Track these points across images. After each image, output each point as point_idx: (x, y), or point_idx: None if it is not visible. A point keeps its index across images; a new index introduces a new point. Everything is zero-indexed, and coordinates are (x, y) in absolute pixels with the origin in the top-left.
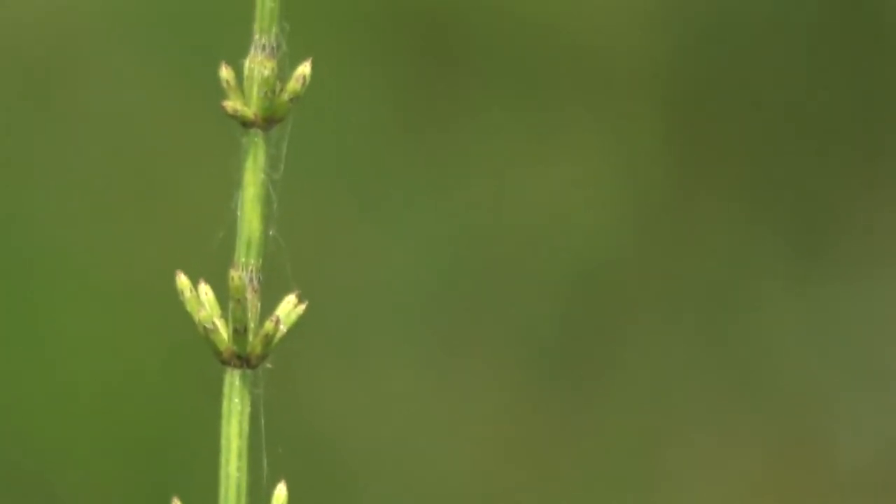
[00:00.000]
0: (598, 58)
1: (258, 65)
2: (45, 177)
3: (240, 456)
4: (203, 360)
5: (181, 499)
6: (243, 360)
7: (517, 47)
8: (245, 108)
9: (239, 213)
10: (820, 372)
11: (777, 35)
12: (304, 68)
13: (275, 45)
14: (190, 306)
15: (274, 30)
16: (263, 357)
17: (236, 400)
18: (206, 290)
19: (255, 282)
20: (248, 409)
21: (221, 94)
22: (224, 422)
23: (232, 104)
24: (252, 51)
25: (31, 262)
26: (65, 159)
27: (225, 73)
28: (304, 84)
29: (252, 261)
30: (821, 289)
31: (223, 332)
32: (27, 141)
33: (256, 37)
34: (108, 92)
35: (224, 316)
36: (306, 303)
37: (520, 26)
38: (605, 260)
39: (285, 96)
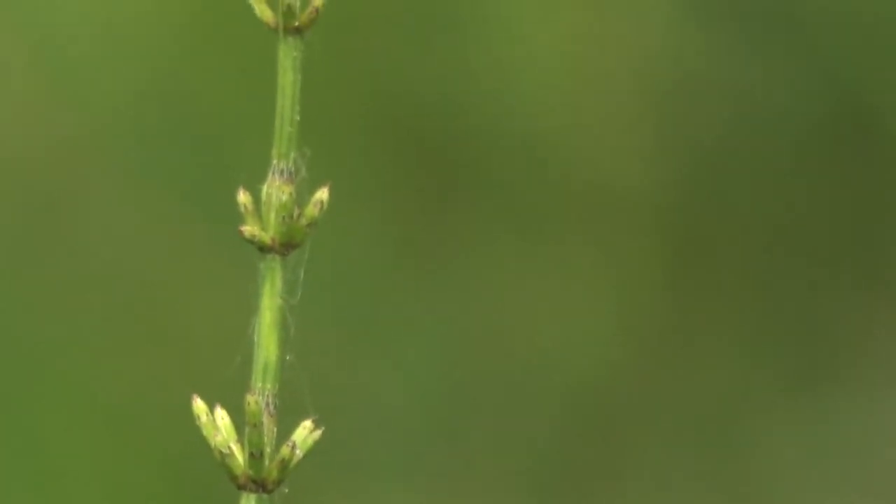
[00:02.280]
0: (598, 187)
1: (276, 189)
2: (57, 301)
3: None
4: (217, 486)
5: None
6: (259, 485)
7: (517, 177)
8: (262, 233)
9: (256, 338)
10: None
11: (774, 160)
12: (322, 193)
13: (293, 169)
14: (206, 431)
15: (292, 154)
16: (279, 482)
17: None
18: (222, 415)
19: (272, 407)
20: None
21: (239, 219)
22: None
23: (250, 229)
24: (270, 175)
25: (38, 386)
26: (79, 285)
27: (243, 197)
28: (321, 209)
29: (268, 386)
30: (820, 419)
31: (239, 457)
32: (41, 264)
33: (275, 161)
34: (120, 216)
35: (240, 440)
36: (322, 428)
37: (519, 156)
38: (602, 388)
39: (303, 221)
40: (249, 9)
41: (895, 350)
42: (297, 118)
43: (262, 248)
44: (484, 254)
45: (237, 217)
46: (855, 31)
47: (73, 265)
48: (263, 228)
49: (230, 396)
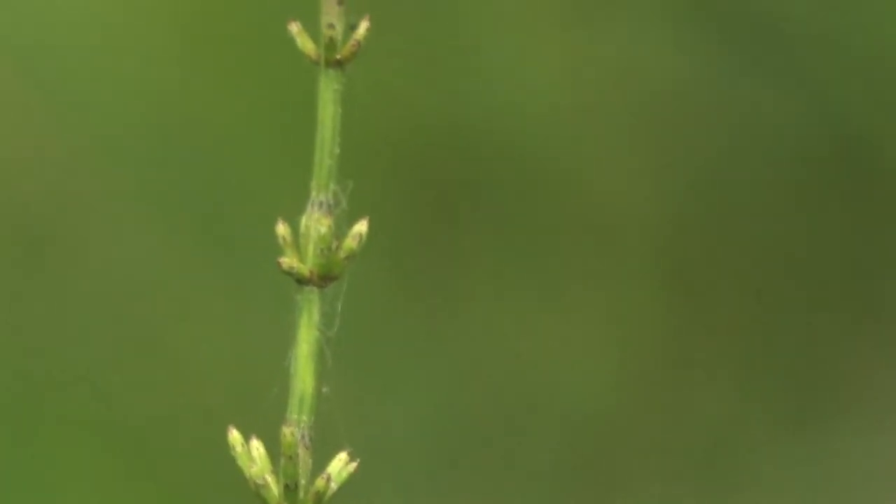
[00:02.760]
0: (600, 214)
1: (315, 222)
2: (72, 328)
3: None
4: None
5: None
6: None
7: (514, 205)
8: (301, 265)
9: (292, 370)
10: None
11: (771, 186)
12: (361, 226)
13: (332, 202)
14: (241, 461)
15: (331, 187)
16: None
17: None
18: (257, 446)
19: (307, 438)
20: None
21: (278, 251)
22: None
23: (288, 261)
24: (309, 207)
25: (50, 421)
26: (93, 324)
27: (281, 229)
28: (360, 242)
29: (304, 417)
30: (818, 457)
31: (274, 489)
32: (49, 286)
33: (314, 193)
34: (141, 250)
35: (275, 471)
36: (358, 461)
37: (520, 182)
38: (600, 423)
39: (341, 254)
40: (284, 39)
41: (894, 387)
42: (337, 151)
43: (300, 281)
44: (485, 286)
45: (257, 248)
46: (849, 54)
47: (86, 291)
48: (301, 260)
49: (262, 427)
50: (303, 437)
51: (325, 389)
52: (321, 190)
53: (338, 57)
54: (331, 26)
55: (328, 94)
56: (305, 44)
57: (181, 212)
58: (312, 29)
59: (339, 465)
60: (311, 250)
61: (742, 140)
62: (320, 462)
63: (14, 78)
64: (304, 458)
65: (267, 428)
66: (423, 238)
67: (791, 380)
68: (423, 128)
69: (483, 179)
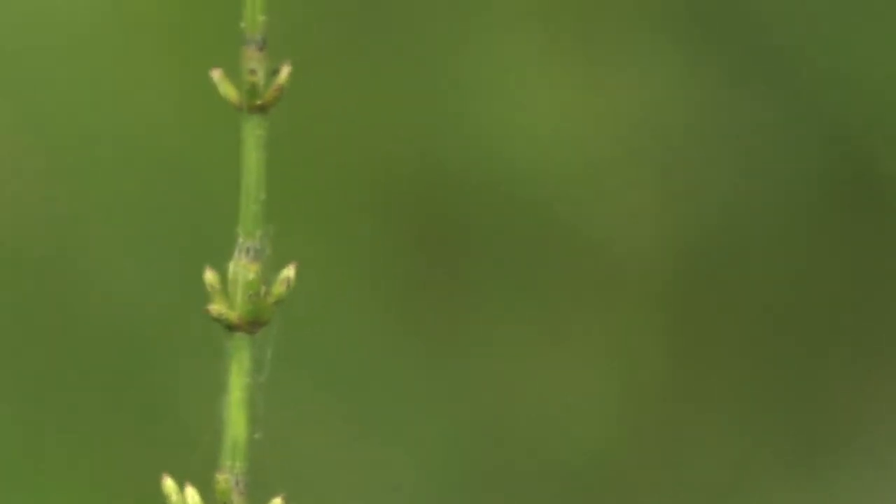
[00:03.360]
0: (601, 250)
1: (242, 268)
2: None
3: None
4: None
5: None
6: None
7: (516, 241)
8: (230, 312)
9: (224, 417)
10: None
11: (778, 225)
12: (289, 271)
13: (259, 248)
14: None
15: (258, 233)
16: None
17: None
18: (192, 494)
19: (241, 485)
20: None
21: (206, 298)
22: None
23: (217, 308)
24: (236, 254)
25: (10, 466)
26: (50, 355)
27: (209, 276)
28: (288, 287)
29: (238, 464)
30: (821, 496)
31: None
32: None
33: (241, 240)
34: (84, 289)
35: None
36: None
37: (520, 220)
38: (605, 462)
39: (270, 300)
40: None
41: None
42: (263, 196)
43: (230, 327)
44: (485, 325)
45: (205, 296)
46: (868, 88)
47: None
48: (230, 307)
49: (196, 475)
50: (237, 483)
51: (257, 435)
52: (248, 236)
53: (259, 103)
54: (252, 72)
55: (251, 140)
56: (228, 90)
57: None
58: (237, 76)
59: None
60: (239, 297)
61: (748, 177)
62: None
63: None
64: None
65: (202, 475)
66: (420, 279)
67: (797, 417)
68: (417, 168)
69: (481, 218)
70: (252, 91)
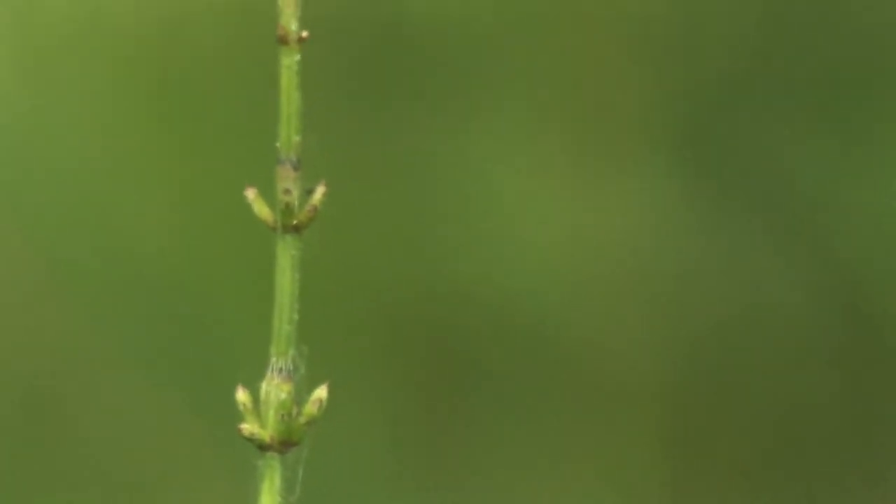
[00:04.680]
0: (600, 375)
1: (275, 388)
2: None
3: None
4: None
5: None
6: None
7: (516, 360)
8: (262, 431)
9: None
10: None
11: (776, 352)
12: (321, 392)
13: (291, 367)
14: None
15: (291, 352)
16: None
17: None
18: None
19: None
20: None
21: (238, 417)
22: None
23: (249, 427)
24: (269, 373)
25: None
26: (70, 483)
27: (242, 396)
28: (320, 408)
29: None
30: None
31: None
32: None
33: (273, 359)
34: (114, 412)
35: None
36: None
37: (520, 338)
38: None
39: (302, 420)
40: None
41: None
42: (296, 317)
43: (261, 447)
44: (486, 446)
45: (234, 412)
46: (857, 215)
47: (62, 461)
48: (262, 427)
49: None
50: None
51: None
52: (280, 356)
53: (294, 223)
54: (287, 192)
55: (285, 261)
56: (262, 210)
57: (160, 370)
58: (270, 194)
59: None
60: (271, 416)
61: (741, 300)
62: None
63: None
64: None
65: None
66: (421, 404)
67: None
68: (427, 288)
69: (479, 343)
70: (287, 211)
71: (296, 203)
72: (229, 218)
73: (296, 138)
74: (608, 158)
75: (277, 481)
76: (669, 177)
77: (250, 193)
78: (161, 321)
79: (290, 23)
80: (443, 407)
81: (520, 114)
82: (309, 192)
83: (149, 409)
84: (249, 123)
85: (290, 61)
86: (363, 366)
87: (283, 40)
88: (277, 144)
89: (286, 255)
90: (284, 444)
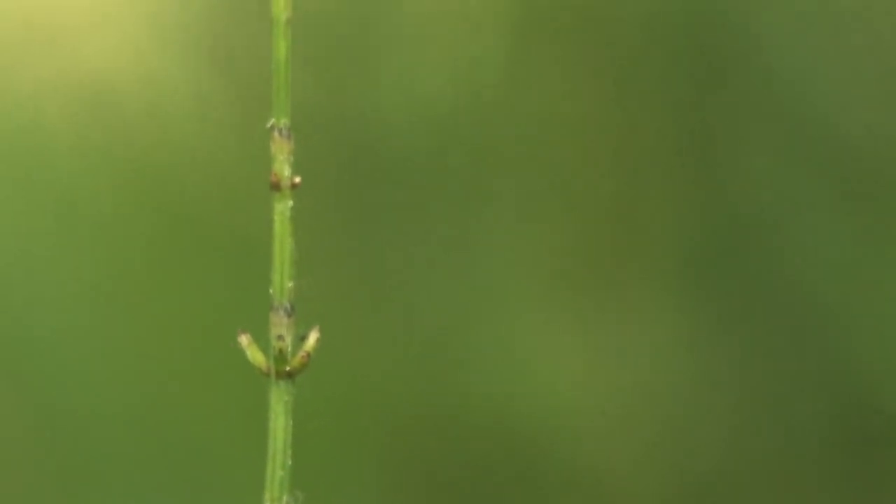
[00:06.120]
0: (599, 495)
1: None
2: None
3: None
4: None
5: None
6: None
7: (514, 480)
8: None
9: None
10: None
11: (783, 477)
12: None
13: None
14: None
15: (285, 498)
16: None
17: None
18: None
19: None
20: None
21: None
22: None
23: None
24: None
25: None
26: None
27: None
28: None
29: None
30: None
31: None
32: None
33: None
34: None
35: None
36: None
37: (521, 469)
38: None
39: None
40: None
41: None
42: (290, 462)
43: None
44: None
45: None
46: (867, 325)
47: None
48: None
49: None
50: None
51: None
52: (274, 502)
53: (287, 369)
54: (280, 338)
55: (279, 406)
56: (255, 356)
57: None
58: (263, 338)
59: None
60: None
61: (749, 423)
62: None
63: None
64: None
65: None
66: None
67: None
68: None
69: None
70: (280, 357)
71: (289, 349)
72: (223, 362)
73: (289, 284)
74: (610, 287)
75: None
76: (672, 308)
77: (244, 339)
78: (153, 465)
79: (283, 169)
80: None
81: (516, 241)
82: (302, 338)
83: None
84: (243, 266)
85: (282, 207)
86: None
87: (275, 186)
88: (271, 291)
89: (279, 401)
90: None
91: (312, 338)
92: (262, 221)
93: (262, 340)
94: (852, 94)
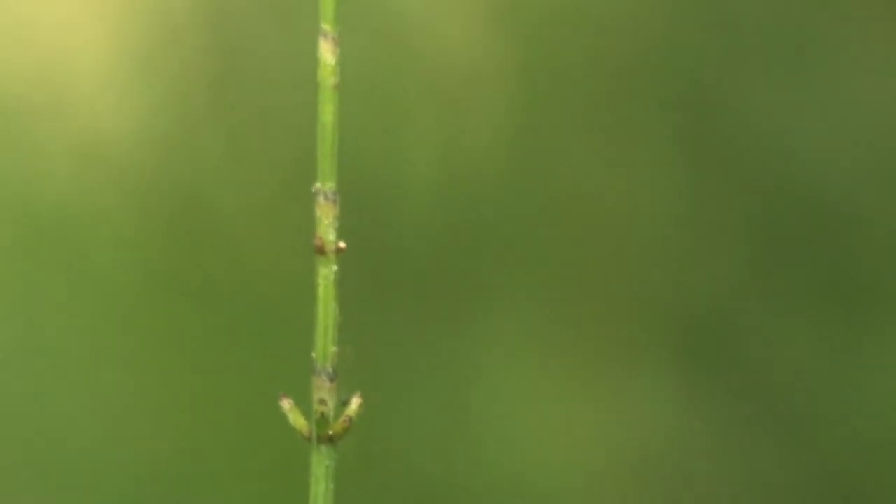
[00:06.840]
0: None
1: None
2: None
3: None
4: None
5: None
6: None
7: None
8: None
9: None
10: None
11: None
12: None
13: None
14: None
15: None
16: None
17: None
18: None
19: None
20: None
21: None
22: None
23: None
24: None
25: None
26: None
27: None
28: None
29: None
30: None
31: None
32: None
33: None
34: None
35: None
36: None
37: None
38: None
39: None
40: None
41: None
42: None
43: None
44: None
45: None
46: (862, 427)
47: None
48: None
49: None
50: None
51: None
52: None
53: (329, 433)
54: (322, 402)
55: (320, 471)
56: (297, 420)
57: None
58: (305, 402)
59: None
60: None
61: (757, 491)
62: None
63: None
64: None
65: None
66: None
67: None
68: (451, 497)
69: None
70: (322, 421)
71: (331, 414)
72: (259, 427)
73: (332, 349)
74: (609, 363)
75: None
76: (669, 384)
77: (286, 403)
78: None
79: (328, 233)
80: None
81: (531, 315)
82: (345, 402)
83: None
84: (283, 330)
85: (327, 271)
86: None
87: (320, 251)
88: (313, 355)
89: (321, 466)
90: None
91: (355, 403)
92: (294, 285)
93: (303, 404)
94: (835, 147)
